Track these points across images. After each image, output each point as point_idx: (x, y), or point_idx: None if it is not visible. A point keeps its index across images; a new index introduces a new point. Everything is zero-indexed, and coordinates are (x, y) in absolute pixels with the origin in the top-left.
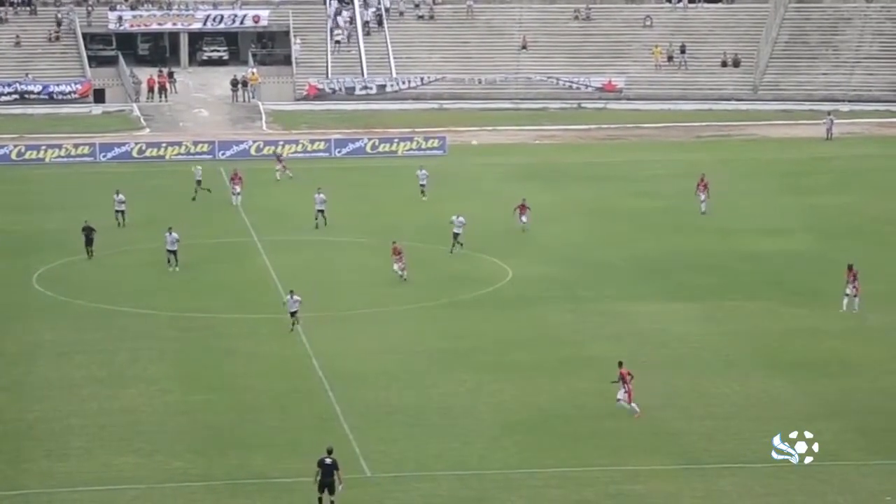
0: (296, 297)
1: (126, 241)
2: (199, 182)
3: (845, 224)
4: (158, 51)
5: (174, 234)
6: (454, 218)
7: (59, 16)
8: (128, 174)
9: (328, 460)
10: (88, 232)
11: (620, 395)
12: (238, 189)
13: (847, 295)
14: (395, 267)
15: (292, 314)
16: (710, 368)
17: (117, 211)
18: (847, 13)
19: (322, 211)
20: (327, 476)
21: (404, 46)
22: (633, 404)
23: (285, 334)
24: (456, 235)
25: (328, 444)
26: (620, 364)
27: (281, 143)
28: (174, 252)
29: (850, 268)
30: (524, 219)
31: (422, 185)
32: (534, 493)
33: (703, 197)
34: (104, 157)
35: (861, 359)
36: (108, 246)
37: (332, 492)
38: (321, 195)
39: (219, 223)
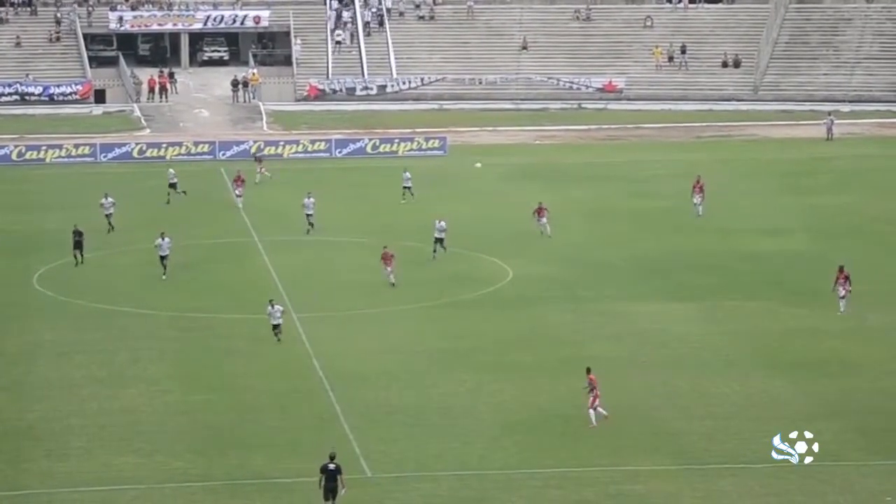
0: (277, 307)
1: (126, 242)
2: (173, 185)
3: (845, 224)
4: (159, 51)
5: (167, 240)
6: (436, 222)
7: (59, 16)
8: (128, 174)
9: (331, 465)
10: (78, 236)
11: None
12: (240, 191)
13: (841, 297)
14: (387, 270)
15: (275, 327)
16: (710, 368)
17: (107, 214)
18: (847, 14)
19: (311, 215)
20: (331, 481)
21: (405, 47)
22: (594, 410)
23: (285, 334)
24: (439, 241)
25: (331, 450)
26: (588, 370)
27: (282, 143)
28: (166, 257)
29: (841, 269)
30: (543, 221)
31: (406, 188)
32: (534, 493)
33: (697, 200)
34: (105, 157)
35: (861, 359)
36: (108, 246)
37: (334, 497)
38: (311, 199)
39: (219, 223)
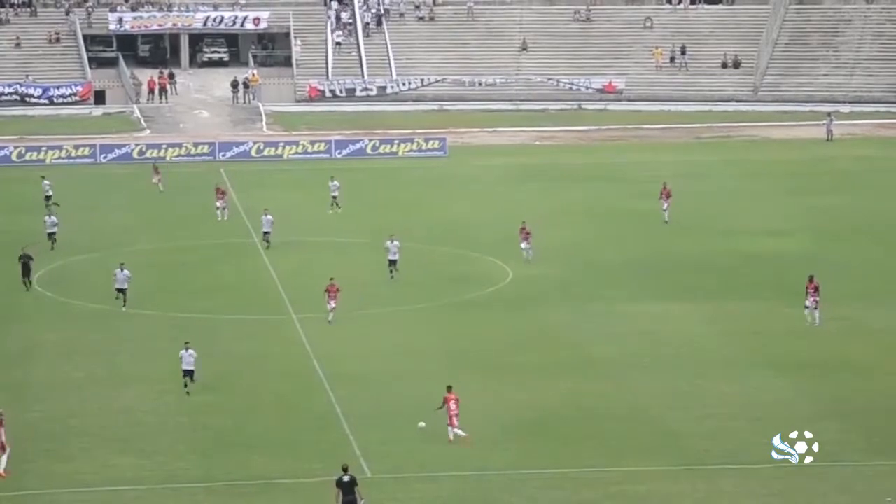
0: (191, 351)
1: (126, 242)
2: (48, 198)
3: (845, 224)
4: (159, 52)
5: (126, 272)
6: (388, 243)
7: (68, 7)
8: (128, 175)
9: (346, 478)
10: (26, 260)
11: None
12: (221, 204)
13: (808, 307)
14: (331, 305)
15: (186, 373)
16: (710, 368)
17: (49, 233)
18: (847, 14)
19: (268, 233)
20: (348, 494)
21: (404, 48)
22: (456, 430)
23: (285, 334)
24: (392, 262)
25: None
26: (449, 388)
27: (282, 144)
28: (124, 291)
29: (811, 279)
30: (524, 245)
31: (333, 197)
32: (534, 493)
33: (664, 205)
34: (105, 158)
35: (861, 359)
36: (109, 246)
37: None
38: (268, 216)
39: (219, 224)
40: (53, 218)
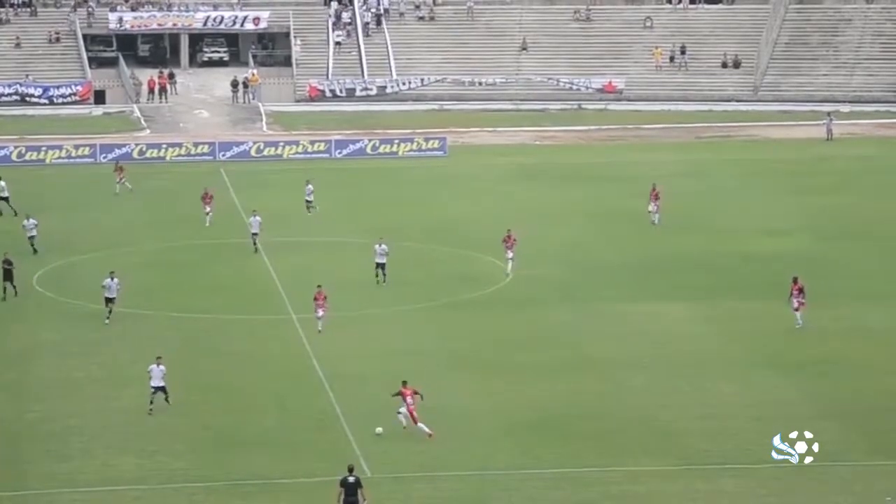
0: (161, 367)
1: (126, 242)
2: (5, 199)
3: (845, 224)
4: (159, 52)
5: (115, 280)
6: (376, 246)
7: (74, 5)
8: (128, 175)
9: (351, 479)
10: (8, 265)
11: (402, 409)
12: (209, 209)
13: (795, 310)
14: (319, 313)
15: (155, 390)
16: (710, 368)
17: (29, 237)
18: (847, 14)
19: (256, 234)
20: (351, 495)
21: (404, 47)
22: (420, 425)
23: (285, 334)
24: (380, 266)
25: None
26: (405, 383)
27: (281, 143)
28: (112, 300)
29: (794, 280)
30: (510, 254)
31: (308, 201)
32: (534, 493)
33: (652, 208)
34: (105, 158)
35: (861, 359)
36: (109, 246)
37: None
38: (257, 218)
39: (218, 224)
40: (33, 220)
